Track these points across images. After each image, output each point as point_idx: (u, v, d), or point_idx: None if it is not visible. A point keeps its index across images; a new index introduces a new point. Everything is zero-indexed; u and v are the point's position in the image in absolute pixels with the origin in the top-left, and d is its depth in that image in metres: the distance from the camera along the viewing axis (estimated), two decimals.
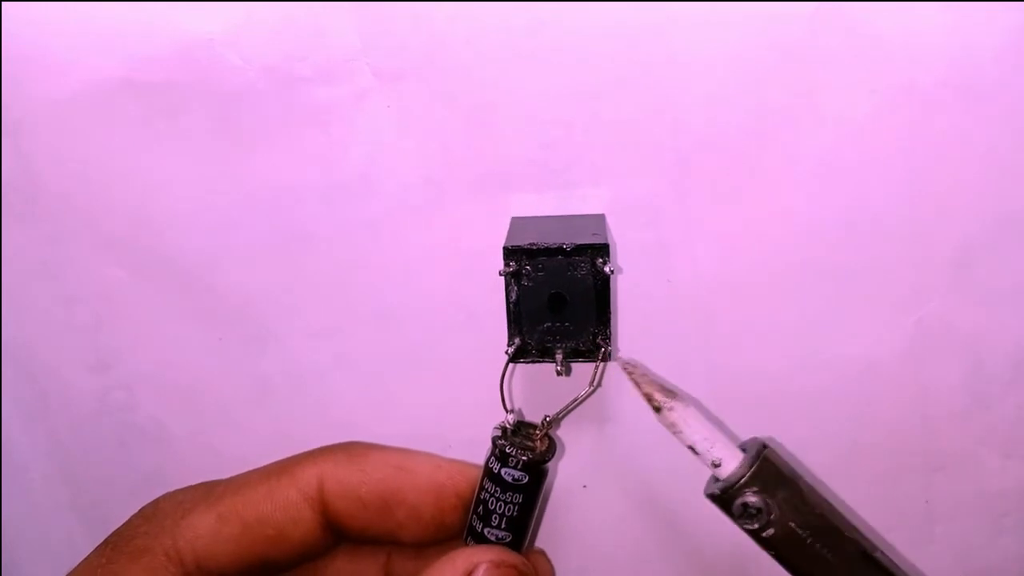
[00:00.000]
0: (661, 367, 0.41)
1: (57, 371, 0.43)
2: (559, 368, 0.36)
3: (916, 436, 0.42)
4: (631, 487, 0.43)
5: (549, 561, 0.40)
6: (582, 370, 0.38)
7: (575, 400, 0.38)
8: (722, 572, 0.44)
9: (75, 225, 0.41)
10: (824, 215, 0.39)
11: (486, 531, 0.37)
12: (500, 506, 0.37)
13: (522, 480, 0.37)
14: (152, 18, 0.37)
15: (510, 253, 0.35)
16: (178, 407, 0.43)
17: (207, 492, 0.33)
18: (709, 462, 0.33)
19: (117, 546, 0.31)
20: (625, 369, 0.35)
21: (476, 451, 0.39)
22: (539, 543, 0.43)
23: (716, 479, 0.33)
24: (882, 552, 0.33)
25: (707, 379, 0.41)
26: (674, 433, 0.33)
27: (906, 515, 0.42)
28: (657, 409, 0.33)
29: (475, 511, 0.38)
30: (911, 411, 0.41)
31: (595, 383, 0.37)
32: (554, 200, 0.39)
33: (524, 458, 0.36)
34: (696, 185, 0.39)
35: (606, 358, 0.36)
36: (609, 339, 0.36)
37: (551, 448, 0.38)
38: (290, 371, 0.42)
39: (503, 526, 0.37)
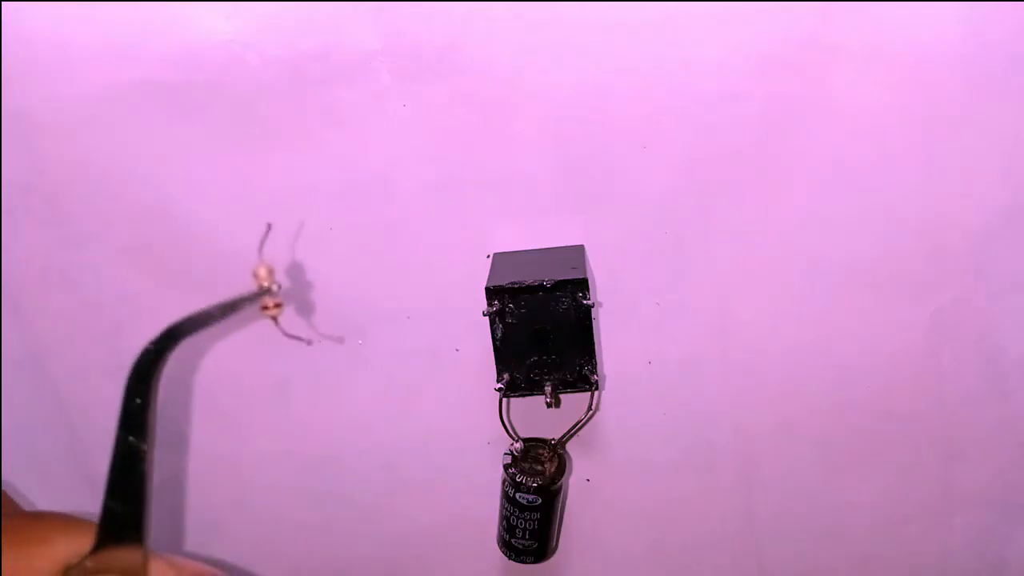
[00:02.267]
0: (673, 365, 0.41)
1: (78, 376, 0.43)
2: (548, 400, 0.37)
3: (933, 425, 0.41)
4: (633, 484, 0.43)
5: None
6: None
7: (577, 424, 0.39)
8: (722, 570, 0.45)
9: (94, 228, 0.41)
10: (839, 208, 0.39)
11: (513, 541, 0.40)
12: (521, 522, 0.39)
13: (535, 502, 0.39)
14: (171, 19, 0.37)
15: (492, 293, 0.36)
16: (197, 410, 0.44)
17: None
18: None
19: None
20: None
21: (493, 450, 0.41)
22: None
23: None
24: None
25: (725, 370, 0.41)
26: None
27: (925, 505, 0.42)
28: None
29: (501, 525, 0.40)
30: (928, 401, 0.41)
31: (593, 409, 0.39)
32: (569, 198, 0.39)
33: (535, 484, 0.38)
34: (711, 181, 0.39)
35: (595, 388, 0.37)
36: (595, 368, 0.37)
37: (560, 469, 0.40)
38: (308, 372, 0.43)
39: (527, 537, 0.40)
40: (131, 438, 0.25)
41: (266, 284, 0.27)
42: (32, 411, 0.44)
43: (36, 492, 0.45)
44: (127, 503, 0.25)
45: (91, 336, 0.42)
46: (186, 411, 0.44)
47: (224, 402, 0.43)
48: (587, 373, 0.37)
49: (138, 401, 0.25)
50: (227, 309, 0.27)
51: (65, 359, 0.43)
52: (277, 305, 0.28)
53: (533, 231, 0.40)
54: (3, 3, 0.37)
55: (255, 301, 0.27)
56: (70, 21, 0.37)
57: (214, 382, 0.43)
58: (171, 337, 0.25)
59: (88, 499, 0.45)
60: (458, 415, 0.43)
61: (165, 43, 0.37)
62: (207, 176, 0.40)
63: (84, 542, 0.26)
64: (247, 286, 0.40)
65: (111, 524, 0.26)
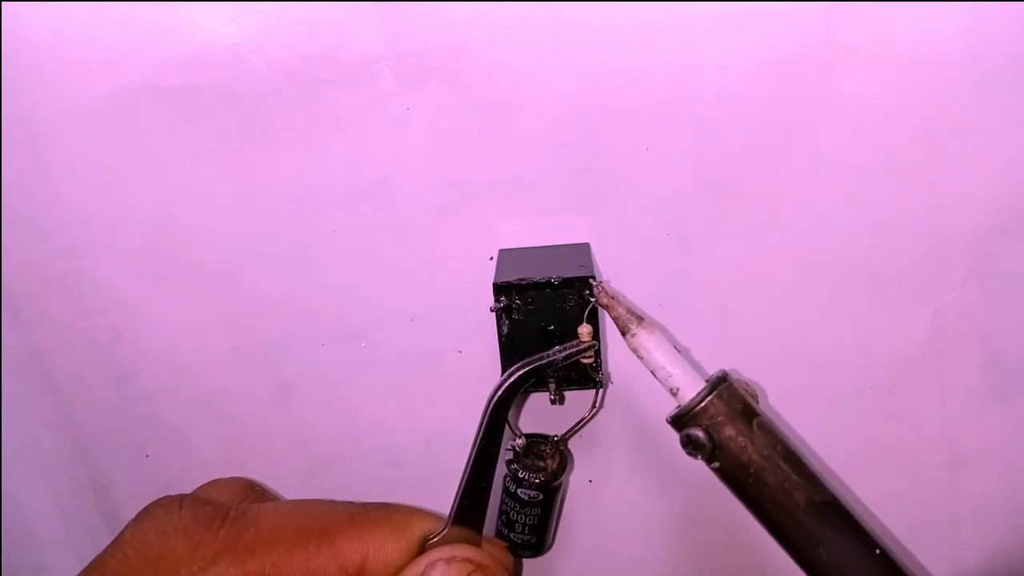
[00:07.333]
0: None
1: (80, 383, 0.43)
2: (553, 397, 0.37)
3: (937, 429, 0.41)
4: (635, 486, 0.43)
5: (507, 552, 0.39)
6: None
7: (581, 421, 0.40)
8: (727, 566, 0.44)
9: (95, 234, 0.41)
10: (842, 209, 0.39)
11: (512, 536, 0.40)
12: (521, 517, 0.39)
13: (537, 498, 0.39)
14: (174, 22, 0.37)
15: (500, 289, 0.36)
16: (201, 413, 0.43)
17: (233, 540, 0.28)
18: (668, 390, 0.32)
19: None
20: (597, 293, 0.34)
21: None
22: None
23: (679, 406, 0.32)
24: (834, 498, 0.31)
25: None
26: (639, 358, 0.33)
27: (930, 514, 0.42)
28: (623, 332, 0.33)
29: (500, 519, 0.40)
30: (931, 403, 0.41)
31: (597, 406, 0.39)
32: (573, 200, 0.39)
33: (536, 480, 0.38)
34: (714, 181, 0.39)
35: (600, 385, 0.37)
36: (600, 367, 0.37)
37: (562, 466, 0.40)
38: (312, 376, 0.43)
39: (526, 532, 0.40)
40: (489, 447, 0.34)
41: (587, 341, 0.36)
42: (34, 413, 0.44)
43: (39, 494, 0.45)
44: (476, 496, 0.34)
45: (90, 343, 0.42)
46: (190, 414, 0.44)
47: (227, 404, 0.43)
48: (592, 370, 0.37)
49: (496, 420, 0.34)
50: (566, 357, 0.35)
51: (65, 365, 0.43)
52: (590, 356, 0.36)
53: (536, 234, 0.40)
54: (3, 5, 0.37)
55: (581, 354, 0.36)
56: (72, 24, 0.38)
57: (218, 384, 0.43)
58: (532, 374, 0.34)
59: (91, 501, 0.45)
60: (461, 415, 0.42)
61: (168, 47, 0.38)
62: (209, 181, 0.40)
63: (430, 526, 0.33)
64: (248, 292, 0.41)
65: (463, 510, 0.34)
